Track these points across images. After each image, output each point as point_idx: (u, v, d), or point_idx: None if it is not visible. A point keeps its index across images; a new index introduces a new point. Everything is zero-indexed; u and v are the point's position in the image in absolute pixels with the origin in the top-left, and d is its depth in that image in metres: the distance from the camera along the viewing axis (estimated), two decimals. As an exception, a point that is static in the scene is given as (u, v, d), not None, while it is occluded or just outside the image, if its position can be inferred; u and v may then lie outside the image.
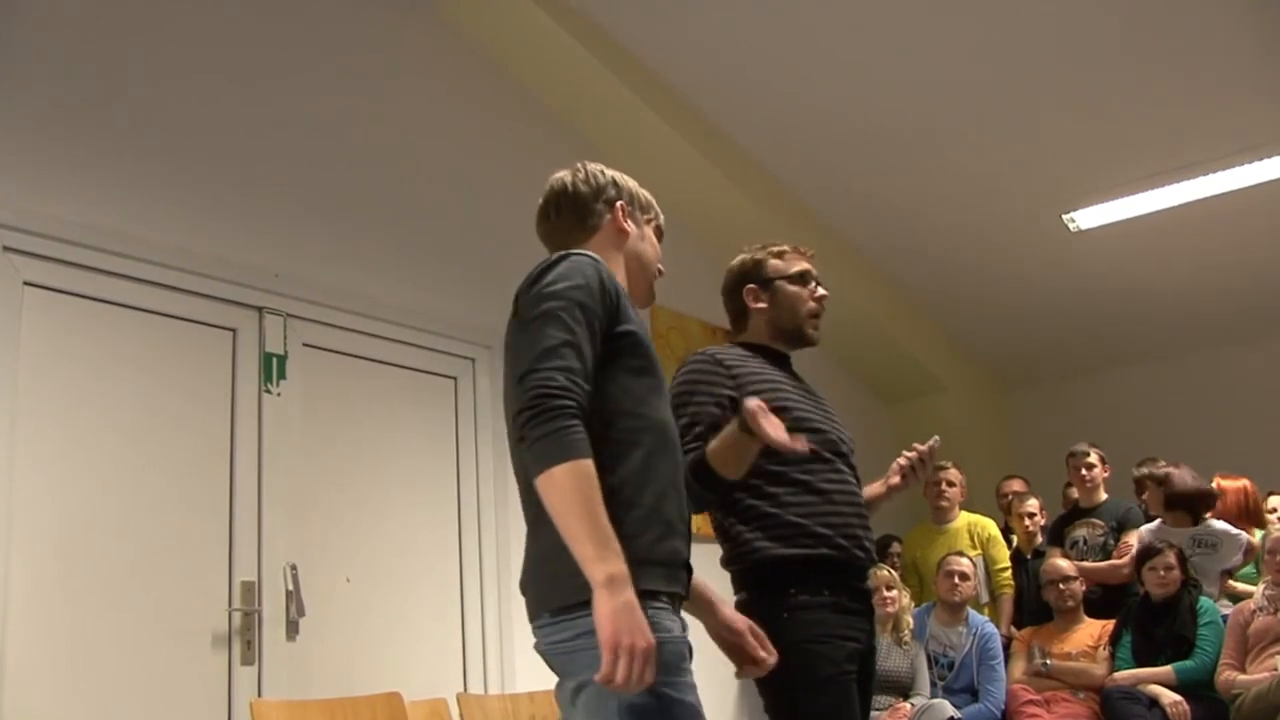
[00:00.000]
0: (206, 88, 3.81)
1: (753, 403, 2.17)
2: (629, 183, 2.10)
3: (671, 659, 1.66)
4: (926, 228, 6.08)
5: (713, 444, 2.29)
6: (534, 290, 1.78)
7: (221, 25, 3.93)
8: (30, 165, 3.29)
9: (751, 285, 2.66)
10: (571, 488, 1.60)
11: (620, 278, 1.94)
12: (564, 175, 2.07)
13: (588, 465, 1.62)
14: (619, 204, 2.04)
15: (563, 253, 1.84)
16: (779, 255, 2.68)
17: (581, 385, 1.68)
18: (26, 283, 3.22)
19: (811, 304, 2.65)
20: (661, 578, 1.73)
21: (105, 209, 3.42)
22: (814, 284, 2.67)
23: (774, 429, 2.13)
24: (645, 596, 1.64)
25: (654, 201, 2.14)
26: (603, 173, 2.07)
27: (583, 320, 1.73)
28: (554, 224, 2.05)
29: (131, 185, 3.52)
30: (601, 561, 1.57)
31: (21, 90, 3.33)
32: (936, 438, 2.66)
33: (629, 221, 2.05)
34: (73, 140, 3.41)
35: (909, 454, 2.63)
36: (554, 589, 1.69)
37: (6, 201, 3.19)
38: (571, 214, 2.03)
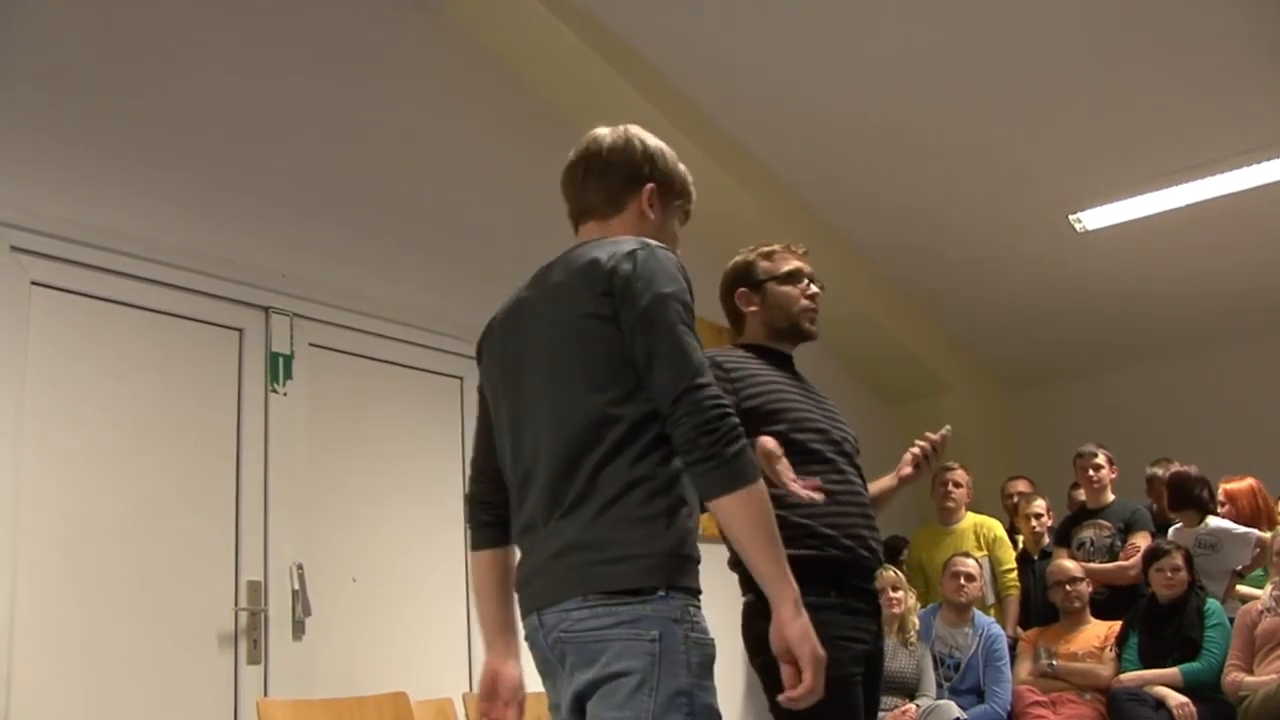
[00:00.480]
0: (213, 89, 3.82)
1: (769, 443, 2.20)
2: (668, 161, 2.00)
3: (707, 661, 1.67)
4: (931, 228, 6.07)
5: None
6: (649, 286, 1.72)
7: (229, 27, 3.94)
8: (37, 165, 3.29)
9: (742, 289, 2.67)
10: (765, 510, 1.66)
11: None
12: (605, 137, 1.98)
13: (765, 488, 1.69)
14: (649, 187, 1.95)
15: (648, 243, 1.79)
16: (768, 256, 2.68)
17: None
18: (34, 282, 3.22)
19: (804, 301, 2.64)
20: (699, 576, 1.73)
21: (112, 209, 3.43)
22: (806, 281, 2.66)
23: (787, 474, 2.19)
24: (693, 594, 1.67)
25: (690, 183, 2.05)
26: (643, 143, 1.97)
27: (694, 328, 1.75)
28: (581, 185, 1.96)
29: (138, 185, 3.52)
30: (788, 582, 1.66)
31: (28, 91, 3.33)
32: (949, 427, 2.66)
33: (654, 208, 1.96)
34: (79, 141, 3.41)
35: (921, 443, 2.63)
36: (599, 575, 1.65)
37: (14, 201, 3.19)
38: (602, 185, 1.94)
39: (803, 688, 1.63)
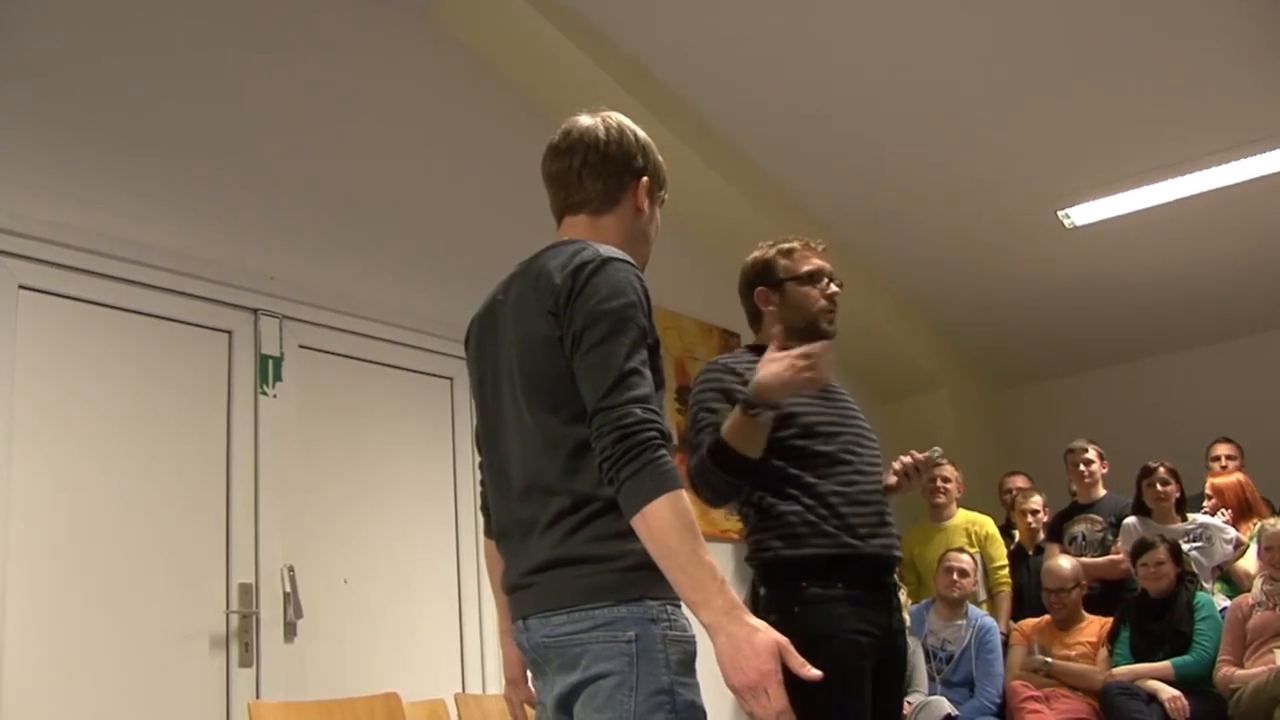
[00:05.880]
0: (200, 90, 3.81)
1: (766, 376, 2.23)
2: (654, 152, 1.98)
3: (687, 658, 1.66)
4: (921, 226, 6.08)
5: (724, 425, 2.32)
6: (587, 305, 1.67)
7: (215, 28, 3.93)
8: (24, 168, 3.28)
9: (761, 288, 2.66)
10: (669, 527, 1.53)
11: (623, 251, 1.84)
12: (595, 126, 1.92)
13: (680, 496, 1.55)
14: (643, 181, 1.93)
15: (602, 254, 1.73)
16: (787, 254, 2.67)
17: (655, 410, 1.62)
18: (21, 286, 3.21)
19: (822, 302, 2.63)
20: None
21: (100, 212, 3.42)
22: (826, 281, 2.65)
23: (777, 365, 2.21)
24: (672, 597, 1.64)
25: (666, 172, 2.03)
26: (635, 136, 1.94)
27: (641, 342, 1.67)
28: (577, 178, 1.90)
29: (126, 188, 3.51)
30: (714, 600, 1.52)
31: (15, 93, 3.32)
32: (937, 448, 2.65)
33: (646, 199, 1.94)
34: (66, 143, 3.40)
35: (905, 460, 2.61)
36: (578, 589, 1.65)
37: (0, 205, 3.18)
38: (597, 179, 1.89)
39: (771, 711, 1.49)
